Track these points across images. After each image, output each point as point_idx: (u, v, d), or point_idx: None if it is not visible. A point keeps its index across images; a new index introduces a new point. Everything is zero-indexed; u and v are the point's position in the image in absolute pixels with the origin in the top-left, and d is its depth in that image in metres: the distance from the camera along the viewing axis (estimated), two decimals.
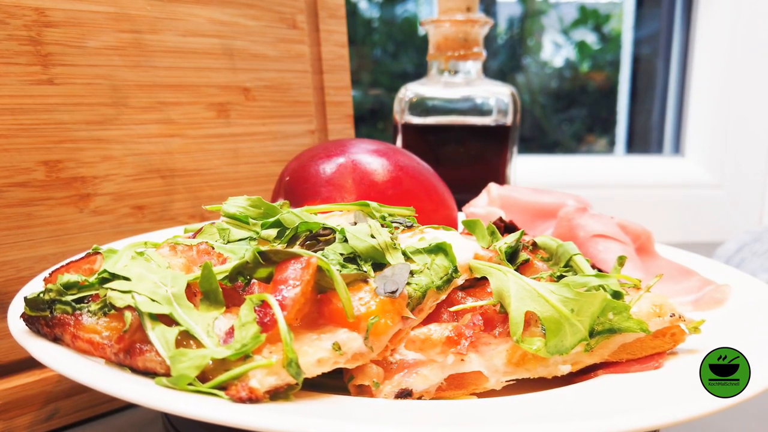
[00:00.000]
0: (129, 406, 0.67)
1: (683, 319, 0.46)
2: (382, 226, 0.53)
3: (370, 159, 0.68)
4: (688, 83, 1.77)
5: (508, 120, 0.95)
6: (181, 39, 0.72)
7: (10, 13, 0.59)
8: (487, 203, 0.74)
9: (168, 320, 0.42)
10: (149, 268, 0.45)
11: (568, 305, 0.44)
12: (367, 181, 0.66)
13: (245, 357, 0.38)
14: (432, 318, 0.47)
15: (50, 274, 0.47)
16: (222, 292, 0.44)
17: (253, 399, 0.37)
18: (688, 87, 1.77)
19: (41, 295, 0.44)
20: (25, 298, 0.44)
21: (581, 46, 2.10)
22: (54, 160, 0.62)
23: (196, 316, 0.42)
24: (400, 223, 0.55)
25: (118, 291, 0.43)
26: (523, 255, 0.53)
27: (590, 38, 2.09)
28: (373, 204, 0.57)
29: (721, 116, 1.67)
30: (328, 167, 0.67)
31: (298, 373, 0.38)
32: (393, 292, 0.44)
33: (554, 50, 2.14)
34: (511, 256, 0.53)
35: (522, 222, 0.71)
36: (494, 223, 0.66)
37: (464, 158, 0.94)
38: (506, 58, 2.12)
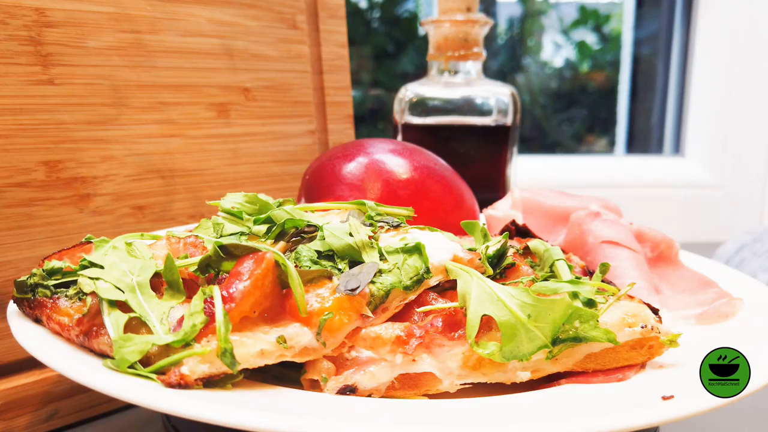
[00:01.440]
0: (129, 406, 0.67)
1: (657, 330, 0.44)
2: (370, 225, 0.54)
3: (387, 158, 0.68)
4: (688, 83, 1.77)
5: (508, 120, 0.95)
6: (182, 39, 0.72)
7: (10, 13, 0.59)
8: (510, 206, 0.73)
9: (127, 307, 0.44)
10: (123, 257, 0.48)
11: (526, 310, 0.43)
12: (382, 180, 0.67)
13: (187, 344, 0.40)
14: (402, 318, 0.47)
15: (42, 261, 0.50)
16: (190, 282, 0.46)
17: (182, 384, 0.39)
18: (688, 87, 1.77)
19: (27, 279, 0.48)
20: (15, 281, 0.47)
21: (581, 47, 2.10)
22: (54, 160, 0.62)
23: (155, 305, 0.44)
24: (387, 223, 0.55)
25: (88, 278, 0.46)
26: (509, 259, 0.52)
27: (590, 38, 2.09)
28: (370, 203, 0.57)
29: (721, 116, 1.67)
30: (345, 166, 0.68)
31: (232, 362, 0.39)
32: (353, 290, 0.44)
33: (554, 50, 2.14)
34: (499, 259, 0.53)
35: (543, 226, 0.70)
36: (506, 226, 0.65)
37: (464, 158, 0.94)
38: (506, 58, 2.12)
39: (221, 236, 0.52)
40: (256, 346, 0.41)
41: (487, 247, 0.53)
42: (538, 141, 2.14)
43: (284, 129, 0.85)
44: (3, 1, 0.58)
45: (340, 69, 0.91)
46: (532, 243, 0.55)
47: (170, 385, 0.38)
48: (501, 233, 0.66)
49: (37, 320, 0.47)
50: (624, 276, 0.59)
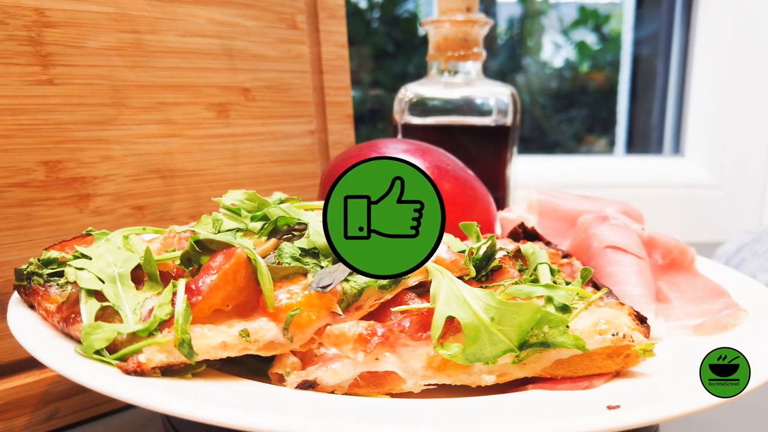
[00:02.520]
0: (129, 406, 0.67)
1: (630, 339, 0.43)
2: None
3: (413, 160, 0.68)
4: (688, 83, 1.77)
5: (508, 120, 0.95)
6: (181, 39, 0.72)
7: (10, 13, 0.59)
8: (526, 208, 0.71)
9: (105, 296, 0.46)
10: (111, 249, 0.51)
11: (489, 313, 0.42)
12: None
13: (151, 334, 0.42)
14: (379, 317, 0.47)
15: (44, 251, 0.53)
16: (178, 275, 0.48)
17: (138, 372, 0.40)
18: (688, 87, 1.77)
19: (25, 268, 0.51)
20: (15, 269, 0.50)
21: (581, 47, 2.10)
22: (54, 161, 0.62)
23: (132, 295, 0.46)
24: None
25: (74, 268, 0.48)
26: (495, 261, 0.52)
27: (590, 38, 2.09)
28: None
29: (721, 116, 1.67)
30: None
31: (190, 353, 0.41)
32: (324, 287, 0.44)
33: (554, 50, 2.14)
34: (487, 261, 0.52)
35: (558, 229, 0.69)
36: (514, 228, 0.65)
37: (464, 158, 0.94)
38: (506, 58, 2.12)
39: (219, 231, 0.54)
40: (218, 339, 0.42)
41: (471, 249, 0.52)
42: (538, 141, 2.14)
43: (284, 129, 0.85)
44: (3, 1, 0.58)
45: (340, 69, 0.91)
46: (524, 246, 0.55)
47: (127, 372, 0.40)
48: (509, 236, 0.65)
49: (32, 306, 0.50)
50: (624, 282, 0.58)
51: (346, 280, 0.46)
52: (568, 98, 2.13)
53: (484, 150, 0.96)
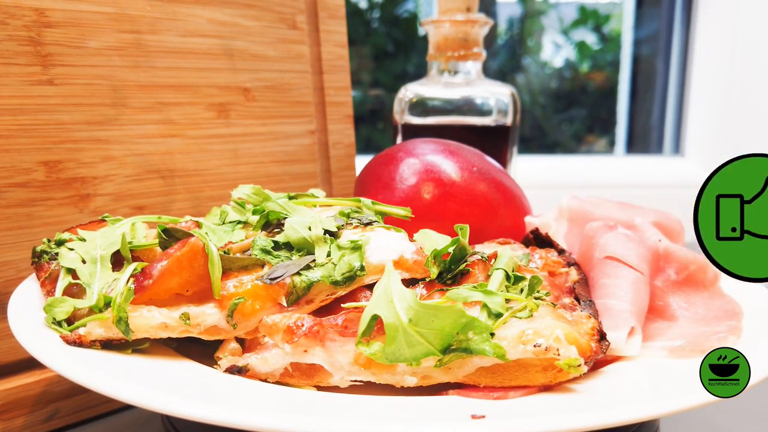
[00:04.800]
0: (128, 406, 0.67)
1: (555, 351, 0.41)
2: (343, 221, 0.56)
3: (437, 160, 0.69)
4: (688, 83, 1.77)
5: (508, 120, 0.95)
6: (181, 39, 0.72)
7: (10, 13, 0.59)
8: (557, 214, 0.70)
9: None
10: (105, 233, 0.55)
11: (409, 314, 0.42)
12: (428, 181, 0.68)
13: (101, 310, 0.46)
14: (332, 312, 0.48)
15: (58, 232, 0.57)
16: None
17: (77, 343, 0.45)
18: (688, 87, 1.77)
19: (38, 247, 0.55)
20: (33, 248, 0.56)
21: (581, 47, 2.10)
22: (54, 161, 0.62)
23: (105, 275, 0.50)
24: (359, 220, 0.56)
25: (67, 248, 0.53)
26: (462, 265, 0.51)
27: (590, 38, 2.09)
28: (366, 201, 0.59)
29: (721, 116, 1.67)
30: (385, 169, 0.70)
31: (126, 330, 0.44)
32: (273, 279, 0.46)
33: (554, 50, 2.14)
34: (457, 264, 0.52)
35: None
36: (525, 235, 0.64)
37: None
38: (506, 58, 2.12)
39: (224, 223, 0.57)
40: (157, 320, 0.45)
41: (434, 251, 0.51)
42: (538, 141, 2.14)
43: (284, 129, 0.85)
44: (3, 1, 0.58)
45: (340, 69, 0.91)
46: (501, 251, 0.54)
47: (68, 342, 0.45)
48: (522, 241, 0.65)
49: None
50: (612, 296, 0.55)
51: (298, 273, 0.47)
52: (568, 98, 2.13)
53: (484, 150, 0.96)
